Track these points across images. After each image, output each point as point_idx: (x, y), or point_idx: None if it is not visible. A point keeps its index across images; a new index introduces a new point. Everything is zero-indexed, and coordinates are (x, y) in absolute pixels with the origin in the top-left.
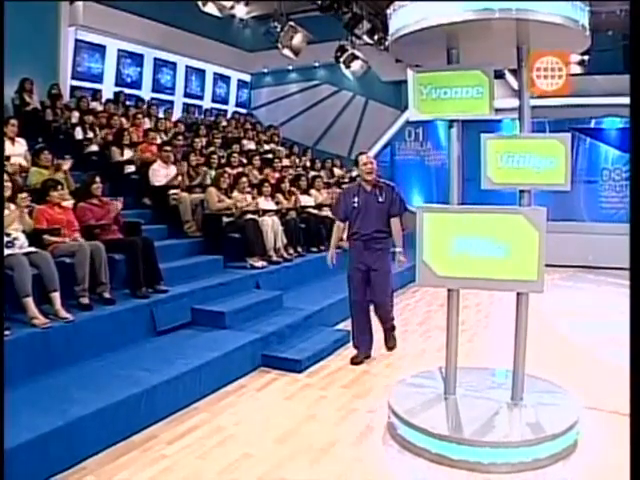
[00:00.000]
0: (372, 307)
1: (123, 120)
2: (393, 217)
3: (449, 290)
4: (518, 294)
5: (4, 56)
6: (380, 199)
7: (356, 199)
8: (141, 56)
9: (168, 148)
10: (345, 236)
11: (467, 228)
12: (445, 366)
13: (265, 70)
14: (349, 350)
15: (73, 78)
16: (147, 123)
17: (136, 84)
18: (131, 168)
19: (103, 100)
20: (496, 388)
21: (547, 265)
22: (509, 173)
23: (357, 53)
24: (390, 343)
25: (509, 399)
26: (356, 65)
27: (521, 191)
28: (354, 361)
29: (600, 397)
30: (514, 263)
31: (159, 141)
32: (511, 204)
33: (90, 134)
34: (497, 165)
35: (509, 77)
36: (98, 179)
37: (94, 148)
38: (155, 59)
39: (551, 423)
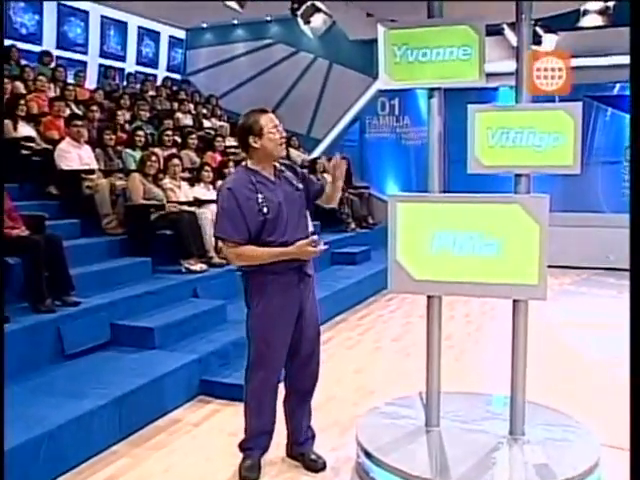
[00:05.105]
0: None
1: (18, 84)
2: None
3: (429, 297)
4: (515, 302)
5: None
6: (299, 185)
7: (260, 197)
8: None
9: (79, 122)
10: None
11: (451, 221)
12: (426, 391)
13: (204, 25)
14: None
15: None
16: (52, 90)
17: (34, 37)
18: (31, 147)
19: None
20: (490, 419)
21: (554, 266)
22: (503, 153)
23: (319, 4)
24: (319, 463)
25: (507, 433)
26: (318, 20)
27: (517, 175)
28: (247, 477)
29: (624, 432)
30: (509, 263)
31: (68, 113)
32: (507, 192)
33: None
34: (488, 143)
35: (508, 33)
36: None
37: None
38: (59, 5)
39: (564, 465)
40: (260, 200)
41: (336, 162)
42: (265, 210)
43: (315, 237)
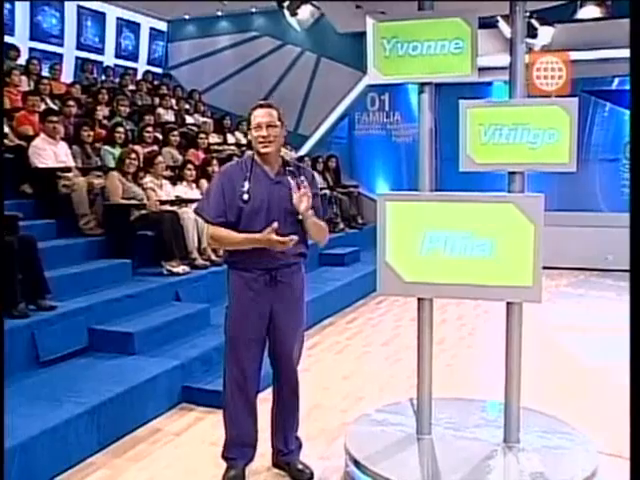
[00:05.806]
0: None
1: None
2: None
3: (420, 300)
4: (509, 304)
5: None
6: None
7: (246, 186)
8: None
9: (55, 118)
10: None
11: (442, 221)
12: (417, 397)
13: (186, 16)
14: None
15: None
16: (25, 83)
17: (6, 27)
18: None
19: None
20: (484, 426)
21: (551, 267)
22: (496, 150)
23: None
24: (306, 473)
25: (501, 440)
26: (305, 11)
27: (511, 173)
28: None
29: (623, 440)
30: (503, 264)
31: (43, 108)
32: (500, 191)
33: None
34: (480, 140)
35: (503, 25)
36: None
37: None
38: None
39: (560, 474)
40: (245, 188)
41: (298, 196)
42: (245, 197)
43: (275, 225)
